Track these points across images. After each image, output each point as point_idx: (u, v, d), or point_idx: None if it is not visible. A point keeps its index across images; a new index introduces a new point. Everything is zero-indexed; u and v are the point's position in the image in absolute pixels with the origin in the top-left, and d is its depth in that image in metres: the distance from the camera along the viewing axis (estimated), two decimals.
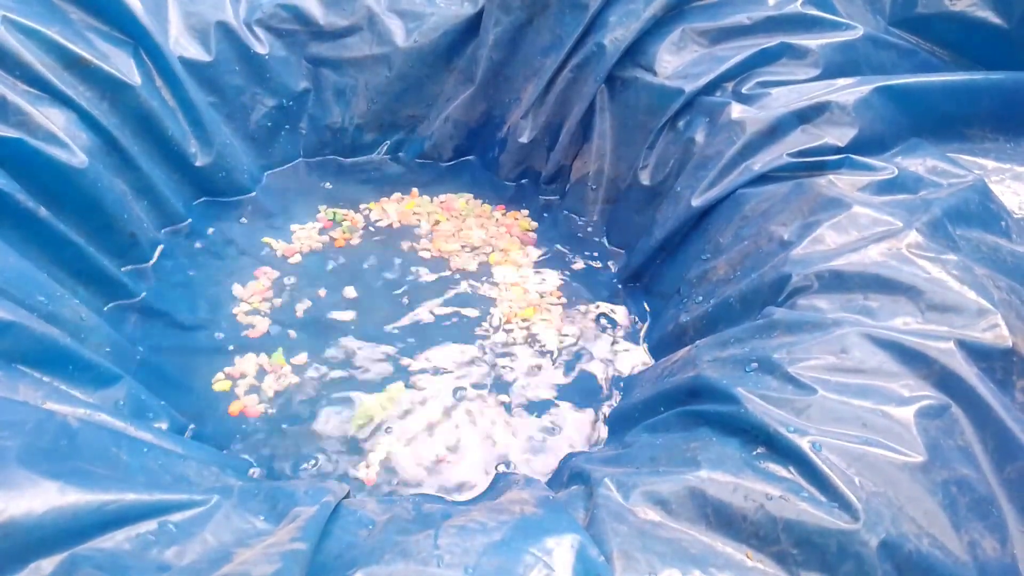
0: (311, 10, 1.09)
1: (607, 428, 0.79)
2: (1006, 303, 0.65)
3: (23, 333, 0.61)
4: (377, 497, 0.71)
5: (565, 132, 1.05)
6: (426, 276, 0.98)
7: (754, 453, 0.56)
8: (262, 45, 1.07)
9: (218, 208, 1.04)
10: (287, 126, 1.13)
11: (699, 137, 0.91)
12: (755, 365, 0.63)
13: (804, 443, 0.54)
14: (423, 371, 0.85)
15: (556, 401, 0.83)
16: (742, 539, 0.52)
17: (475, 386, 0.84)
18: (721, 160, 0.86)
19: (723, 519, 0.53)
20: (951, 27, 1.01)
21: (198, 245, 0.98)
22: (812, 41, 0.93)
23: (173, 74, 0.95)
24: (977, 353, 0.61)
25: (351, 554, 0.48)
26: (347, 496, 0.58)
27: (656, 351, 0.86)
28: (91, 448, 0.52)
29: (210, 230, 1.01)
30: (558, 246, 1.05)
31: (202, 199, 1.04)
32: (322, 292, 0.93)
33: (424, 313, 0.92)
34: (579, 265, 1.02)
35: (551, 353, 0.89)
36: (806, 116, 0.84)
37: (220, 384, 0.80)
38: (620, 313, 0.95)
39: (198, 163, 1.00)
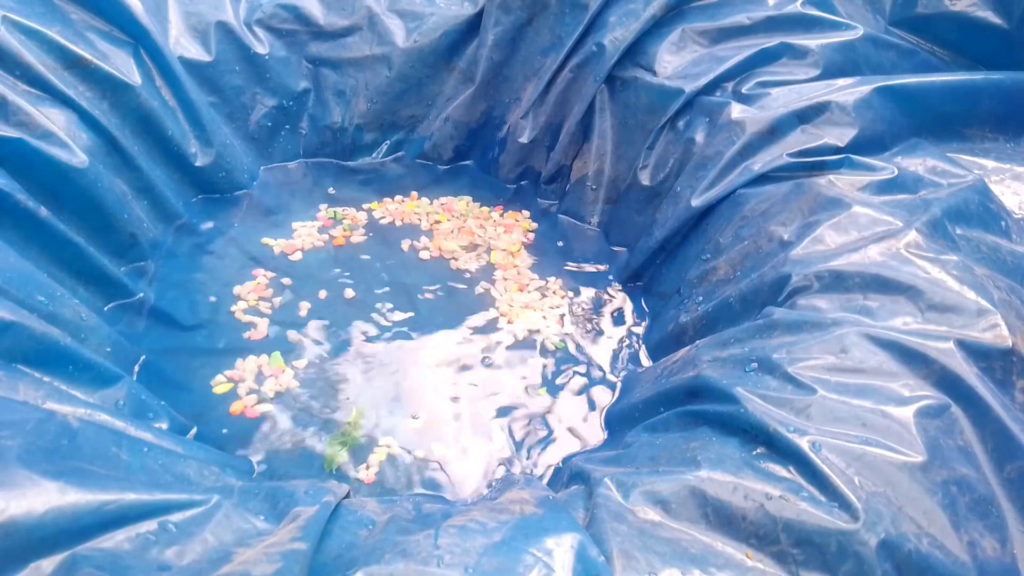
0: (311, 10, 1.09)
1: (607, 428, 0.79)
2: (1006, 303, 0.65)
3: (24, 333, 0.61)
4: (377, 497, 0.71)
5: (565, 132, 1.05)
6: (426, 275, 0.98)
7: (754, 453, 0.56)
8: (262, 45, 1.07)
9: (218, 208, 1.04)
10: (287, 126, 1.13)
11: (699, 137, 0.91)
12: (755, 365, 0.63)
13: (804, 443, 0.54)
14: (423, 371, 0.85)
15: (556, 401, 0.83)
16: (742, 539, 0.52)
17: (475, 386, 0.84)
18: (721, 160, 0.86)
19: (723, 519, 0.53)
20: (951, 27, 1.01)
21: (198, 245, 0.98)
22: (812, 41, 0.93)
23: (173, 74, 0.96)
24: (977, 353, 0.61)
25: (351, 554, 0.49)
26: (347, 496, 0.58)
27: (656, 351, 0.87)
28: (91, 448, 0.52)
29: (210, 230, 1.01)
30: (558, 246, 1.05)
31: (202, 199, 1.04)
32: (322, 292, 0.93)
33: (424, 313, 0.92)
34: (579, 265, 1.02)
35: (551, 353, 0.89)
36: (806, 116, 0.84)
37: (221, 387, 0.80)
38: (620, 313, 0.95)
39: (198, 163, 1.01)
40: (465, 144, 1.17)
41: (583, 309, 0.95)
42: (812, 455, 0.54)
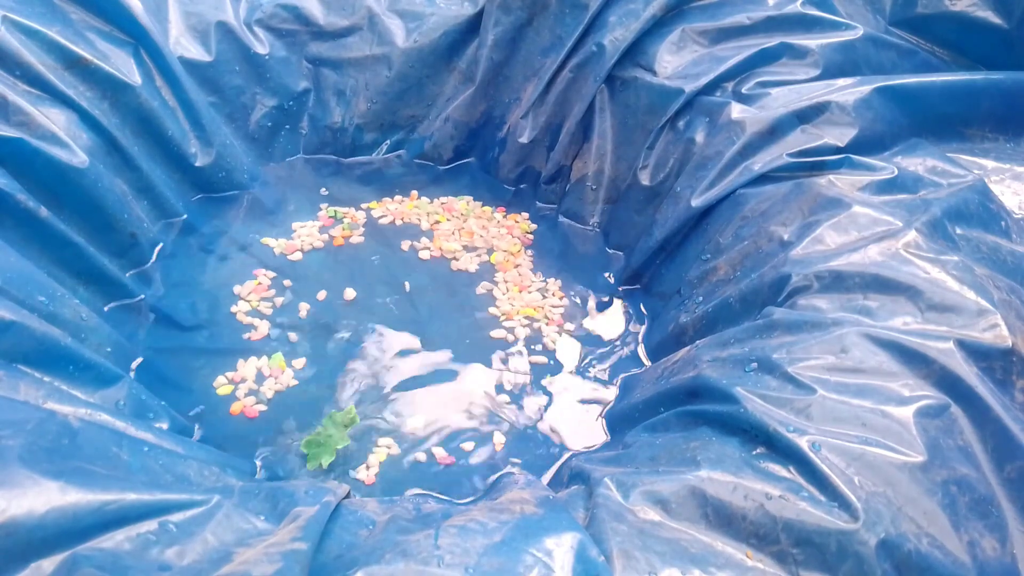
0: (311, 10, 1.09)
1: (607, 428, 0.79)
2: (1006, 303, 0.65)
3: (24, 333, 0.61)
4: (377, 497, 0.71)
5: (565, 132, 1.05)
6: (427, 276, 0.98)
7: (754, 453, 0.56)
8: (262, 45, 1.07)
9: (218, 208, 1.04)
10: (287, 126, 1.13)
11: (699, 137, 0.91)
12: (755, 365, 0.63)
13: (803, 443, 0.54)
14: (423, 371, 0.85)
15: (556, 401, 0.83)
16: (742, 538, 0.52)
17: (475, 386, 0.84)
18: (721, 160, 0.86)
19: (723, 518, 0.53)
20: (951, 27, 1.01)
21: (198, 245, 0.98)
22: (812, 41, 0.93)
23: (173, 74, 0.96)
24: (977, 353, 0.61)
25: (351, 554, 0.49)
26: (347, 496, 0.58)
27: (656, 351, 0.87)
28: (92, 448, 0.52)
29: (210, 230, 1.01)
30: (558, 247, 1.05)
31: (202, 199, 1.04)
32: (322, 292, 0.93)
33: (424, 313, 0.92)
34: (579, 266, 1.02)
35: (551, 353, 0.89)
36: (806, 116, 0.84)
37: (222, 388, 0.80)
38: (620, 313, 0.95)
39: (198, 163, 1.01)
40: (465, 144, 1.17)
41: (583, 309, 0.95)
42: (812, 455, 0.54)
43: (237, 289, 0.92)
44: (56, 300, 0.71)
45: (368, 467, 0.74)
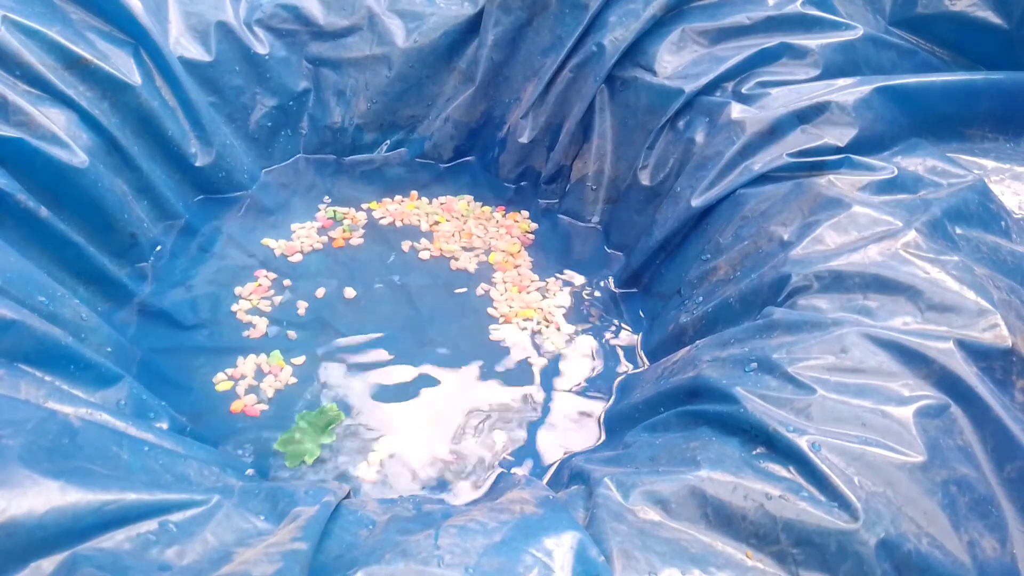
0: (311, 10, 1.09)
1: (607, 428, 0.79)
2: (1006, 303, 0.65)
3: (24, 332, 0.61)
4: (377, 497, 0.71)
5: (565, 132, 1.05)
6: (426, 276, 0.98)
7: (754, 453, 0.56)
8: (262, 45, 1.07)
9: (218, 208, 1.04)
10: (287, 126, 1.13)
11: (699, 137, 0.91)
12: (755, 365, 0.63)
13: (803, 443, 0.54)
14: (423, 371, 0.85)
15: (556, 401, 0.83)
16: (742, 538, 0.52)
17: (475, 386, 0.84)
18: (721, 160, 0.86)
19: (723, 518, 0.53)
20: (951, 27, 1.01)
21: (198, 245, 0.98)
22: (812, 41, 0.93)
23: (173, 74, 0.96)
24: (977, 353, 0.61)
25: (352, 554, 0.49)
26: (348, 496, 0.58)
27: (656, 351, 0.86)
28: (92, 447, 0.52)
29: (210, 230, 1.01)
30: (558, 247, 1.05)
31: (202, 199, 1.04)
32: (321, 292, 0.94)
33: (424, 313, 0.92)
34: (579, 266, 1.02)
35: (551, 353, 0.89)
36: (806, 116, 0.84)
37: (221, 385, 0.81)
38: (620, 313, 0.95)
39: (198, 163, 1.01)
40: (465, 144, 1.17)
41: (583, 309, 0.95)
42: (812, 455, 0.54)
43: (237, 290, 0.92)
44: (56, 300, 0.71)
45: (368, 466, 0.74)
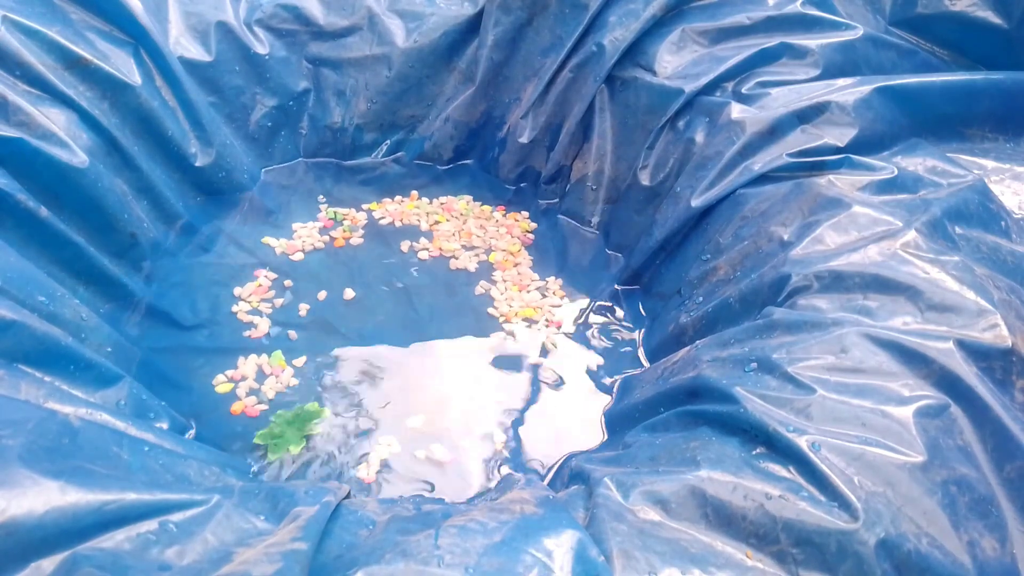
0: (311, 10, 1.09)
1: (607, 428, 0.79)
2: (1006, 303, 0.65)
3: (25, 332, 0.61)
4: (377, 497, 0.71)
5: (565, 132, 1.05)
6: (426, 276, 0.98)
7: (754, 453, 0.56)
8: (262, 45, 1.07)
9: (218, 208, 1.04)
10: (287, 126, 1.13)
11: (699, 137, 0.91)
12: (755, 365, 0.63)
13: (803, 443, 0.54)
14: (423, 371, 0.85)
15: (556, 401, 0.83)
16: (742, 538, 0.52)
17: (475, 386, 0.84)
18: (721, 160, 0.86)
19: (723, 518, 0.53)
20: (951, 27, 1.01)
21: (198, 245, 0.98)
22: (812, 41, 0.93)
23: (173, 74, 0.96)
24: (976, 353, 0.61)
25: (352, 554, 0.49)
26: (347, 496, 0.58)
27: (656, 352, 0.87)
28: (92, 447, 0.52)
29: (210, 230, 1.01)
30: (558, 247, 1.05)
31: (202, 199, 1.04)
32: (322, 292, 0.94)
33: (424, 313, 0.92)
34: (579, 266, 1.02)
35: (551, 353, 0.89)
36: (806, 116, 0.84)
37: (221, 387, 0.81)
38: (620, 313, 0.95)
39: (198, 163, 1.01)
40: (465, 144, 1.17)
41: (583, 309, 0.95)
42: (812, 455, 0.54)
43: (237, 290, 0.92)
44: (56, 300, 0.71)
45: (368, 466, 0.74)
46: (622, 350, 0.89)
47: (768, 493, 0.53)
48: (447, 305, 0.94)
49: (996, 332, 0.62)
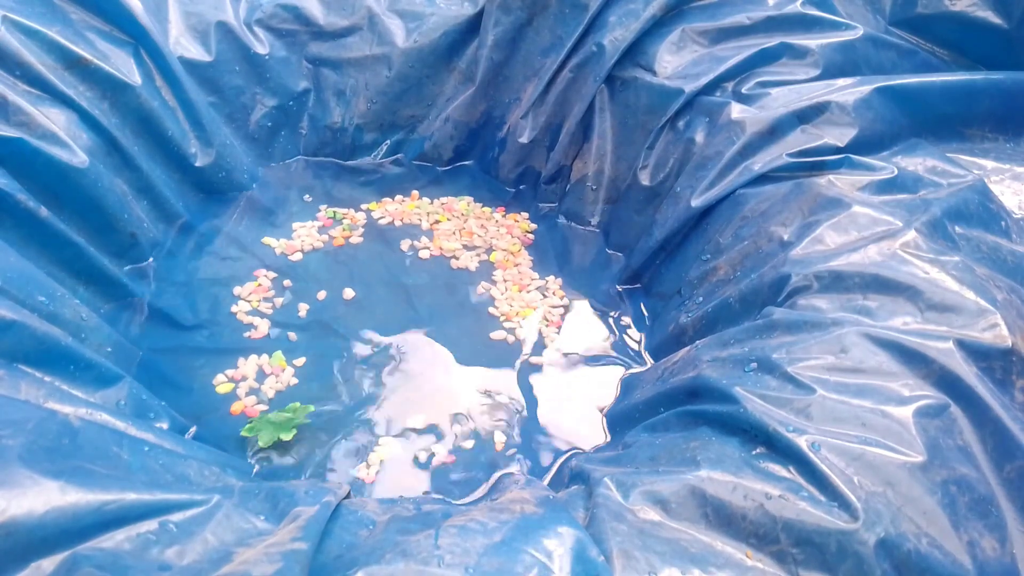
0: (311, 10, 1.09)
1: (607, 428, 0.79)
2: (1006, 303, 0.65)
3: (25, 333, 0.61)
4: (377, 497, 0.71)
5: (565, 132, 1.05)
6: (426, 275, 0.98)
7: (753, 453, 0.56)
8: (262, 45, 1.07)
9: (218, 208, 1.04)
10: (287, 126, 1.13)
11: (699, 137, 0.91)
12: (754, 365, 0.63)
13: (803, 442, 0.54)
14: (422, 371, 0.85)
15: (556, 401, 0.83)
16: (742, 538, 0.52)
17: (475, 386, 0.84)
18: (721, 160, 0.86)
19: (723, 518, 0.53)
20: (951, 27, 1.01)
21: (198, 245, 0.98)
22: (812, 41, 0.93)
23: (173, 74, 0.96)
24: (976, 353, 0.61)
25: (352, 554, 0.49)
26: (348, 496, 0.58)
27: (656, 352, 0.87)
28: (92, 447, 0.52)
29: (210, 230, 1.01)
30: (558, 247, 1.05)
31: (202, 199, 1.04)
32: (322, 292, 0.94)
33: (424, 313, 0.92)
34: (579, 265, 1.02)
35: (551, 353, 0.89)
36: (806, 116, 0.84)
37: (222, 386, 0.80)
38: (620, 313, 0.95)
39: (198, 163, 1.01)
40: (465, 144, 1.17)
41: (583, 309, 0.95)
42: (811, 455, 0.54)
43: (237, 289, 0.93)
44: (56, 300, 0.71)
45: (368, 466, 0.74)
46: (622, 350, 0.89)
47: (768, 493, 0.53)
48: (447, 305, 0.94)
49: (996, 332, 0.62)
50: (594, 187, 1.05)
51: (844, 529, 0.50)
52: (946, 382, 0.59)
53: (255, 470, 0.72)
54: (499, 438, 0.78)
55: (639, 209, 0.99)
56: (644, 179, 0.98)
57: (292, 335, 0.88)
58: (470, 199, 1.12)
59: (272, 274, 0.95)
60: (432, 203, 1.11)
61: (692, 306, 0.83)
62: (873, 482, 0.52)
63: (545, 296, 0.96)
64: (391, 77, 1.12)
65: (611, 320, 0.94)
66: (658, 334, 0.88)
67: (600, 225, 1.06)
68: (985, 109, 0.90)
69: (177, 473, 0.57)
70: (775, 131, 0.84)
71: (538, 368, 0.87)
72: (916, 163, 0.81)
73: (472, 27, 1.10)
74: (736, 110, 0.88)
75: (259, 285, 0.94)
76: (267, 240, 1.01)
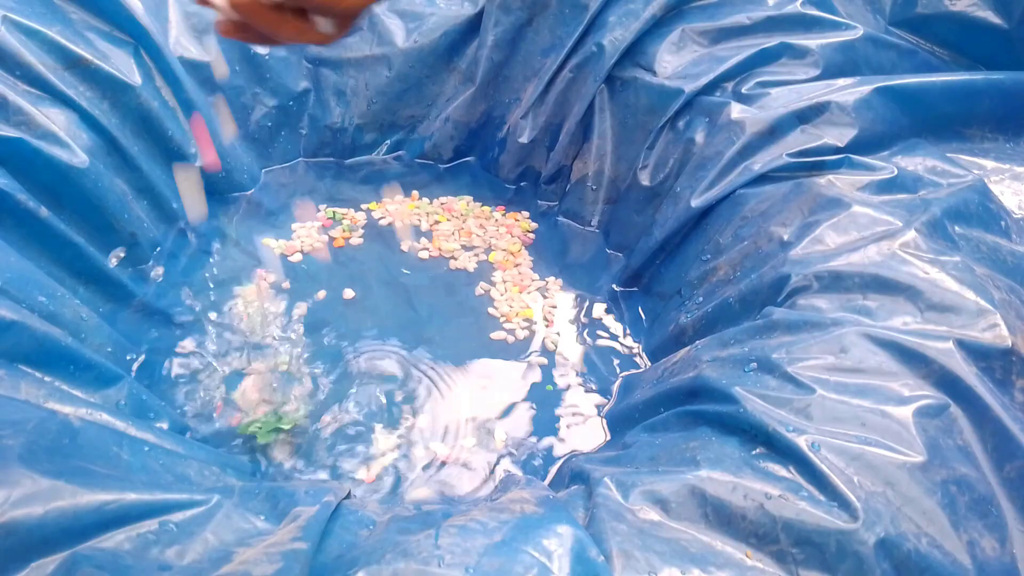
0: None
1: (607, 428, 0.79)
2: (1005, 303, 0.65)
3: (25, 333, 0.61)
4: (377, 497, 0.71)
5: (565, 132, 1.05)
6: (426, 276, 0.98)
7: (753, 452, 0.56)
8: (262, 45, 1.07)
9: (218, 208, 1.04)
10: (287, 126, 1.13)
11: (699, 137, 0.91)
12: (754, 365, 0.63)
13: (803, 442, 0.54)
14: (422, 371, 0.85)
15: (556, 401, 0.83)
16: (741, 538, 0.52)
17: (475, 386, 0.84)
18: (721, 160, 0.86)
19: (722, 518, 0.53)
20: (951, 27, 1.01)
21: (198, 245, 0.98)
22: (812, 41, 0.93)
23: (173, 74, 0.96)
24: (976, 353, 0.61)
25: (352, 554, 0.49)
26: (348, 496, 0.58)
27: (656, 352, 0.87)
28: (92, 447, 0.52)
29: (210, 230, 1.01)
30: (558, 247, 1.05)
31: None
32: (322, 292, 0.94)
33: (423, 313, 0.92)
34: (579, 266, 1.02)
35: (551, 353, 0.89)
36: (806, 116, 0.84)
37: (221, 386, 0.81)
38: (620, 314, 0.95)
39: (198, 163, 1.01)
40: (465, 144, 1.17)
41: (583, 309, 0.95)
42: (811, 455, 0.54)
43: (237, 289, 0.93)
44: (56, 300, 0.71)
45: (368, 466, 0.74)
46: (622, 350, 0.90)
47: (768, 493, 0.53)
48: (447, 305, 0.94)
49: (996, 332, 0.62)
50: (594, 187, 1.05)
51: (844, 529, 0.50)
52: (946, 382, 0.59)
53: (263, 468, 0.72)
54: (499, 438, 0.78)
55: (639, 209, 0.99)
56: (644, 179, 0.98)
57: (292, 334, 0.88)
58: (470, 199, 1.12)
59: (272, 274, 0.95)
60: (432, 203, 1.11)
61: (692, 306, 0.83)
62: (873, 482, 0.52)
63: (545, 296, 0.96)
64: (391, 77, 1.12)
65: (611, 320, 0.94)
66: (658, 334, 0.88)
67: (600, 225, 1.06)
68: (985, 109, 0.90)
69: (177, 473, 0.57)
70: (775, 131, 0.84)
71: (537, 369, 0.86)
72: (916, 163, 0.81)
73: (472, 27, 1.10)
74: (736, 110, 0.88)
75: (259, 286, 0.94)
76: (267, 240, 1.01)
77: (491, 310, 0.94)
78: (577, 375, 0.86)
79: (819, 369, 0.60)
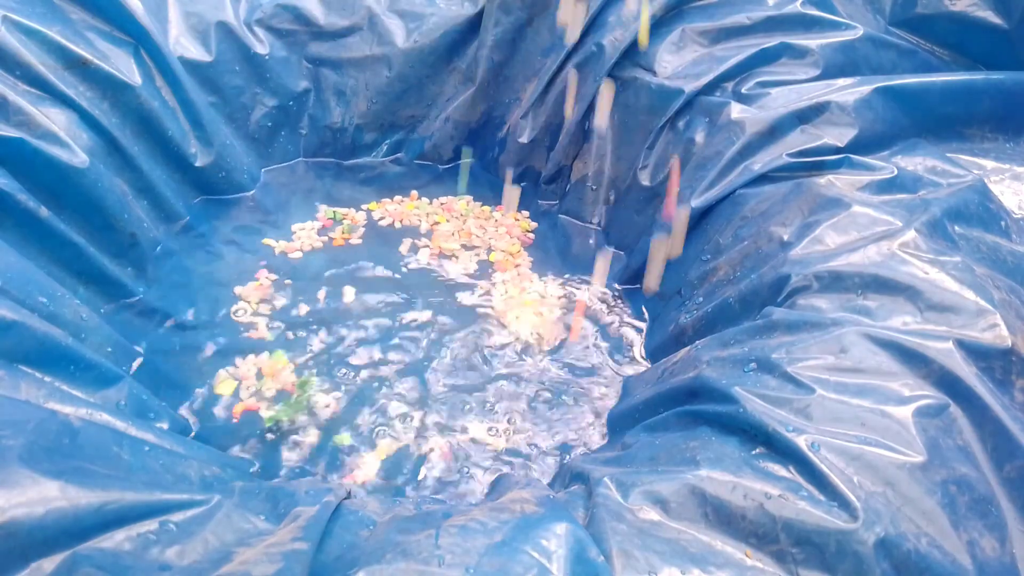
0: (311, 10, 1.09)
1: (607, 428, 0.79)
2: (1005, 303, 0.65)
3: (25, 333, 0.61)
4: (378, 497, 0.71)
5: (565, 132, 1.05)
6: (425, 276, 0.98)
7: (753, 452, 0.56)
8: (262, 45, 1.07)
9: (218, 208, 1.04)
10: (287, 126, 1.13)
11: (699, 137, 0.91)
12: (754, 365, 0.63)
13: (803, 442, 0.54)
14: (422, 371, 0.85)
15: (556, 401, 0.83)
16: (741, 538, 0.52)
17: (475, 386, 0.84)
18: (721, 160, 0.86)
19: (722, 518, 0.53)
20: (951, 27, 1.01)
21: (198, 245, 0.98)
22: (812, 41, 0.93)
23: (173, 74, 0.96)
24: (976, 353, 0.61)
25: (352, 554, 0.49)
26: (348, 496, 0.58)
27: (656, 352, 0.87)
28: (93, 447, 0.52)
29: (210, 230, 1.01)
30: (558, 247, 1.05)
31: (202, 199, 1.04)
32: (322, 292, 0.94)
33: (423, 313, 0.92)
34: (579, 266, 1.02)
35: (551, 353, 0.89)
36: (806, 116, 0.84)
37: (221, 386, 0.81)
38: (620, 314, 0.95)
39: (198, 163, 1.01)
40: (465, 144, 1.17)
41: (583, 310, 0.95)
42: (811, 454, 0.54)
43: (237, 289, 0.93)
44: (56, 300, 0.71)
45: (369, 466, 0.74)
46: (622, 351, 0.90)
47: (768, 493, 0.53)
48: (446, 305, 0.94)
49: (996, 332, 0.62)
50: (594, 187, 1.05)
51: (843, 529, 0.50)
52: (946, 382, 0.59)
53: (254, 469, 0.72)
54: (499, 438, 0.78)
55: (639, 209, 0.99)
56: (644, 179, 0.98)
57: (292, 335, 0.88)
58: (470, 199, 1.12)
59: (272, 274, 0.95)
60: (431, 204, 1.11)
61: (692, 306, 0.83)
62: (873, 482, 0.52)
63: (544, 297, 0.96)
64: (391, 77, 1.12)
65: (611, 321, 0.94)
66: (658, 334, 0.88)
67: (600, 225, 1.06)
68: (985, 109, 0.90)
69: (177, 473, 0.57)
70: (775, 131, 0.84)
71: (538, 368, 0.87)
72: (916, 163, 0.81)
73: (472, 27, 1.10)
74: (736, 110, 0.88)
75: (259, 285, 0.94)
76: (267, 240, 1.01)
77: (491, 310, 0.94)
78: (577, 375, 0.86)
79: (819, 369, 0.60)
